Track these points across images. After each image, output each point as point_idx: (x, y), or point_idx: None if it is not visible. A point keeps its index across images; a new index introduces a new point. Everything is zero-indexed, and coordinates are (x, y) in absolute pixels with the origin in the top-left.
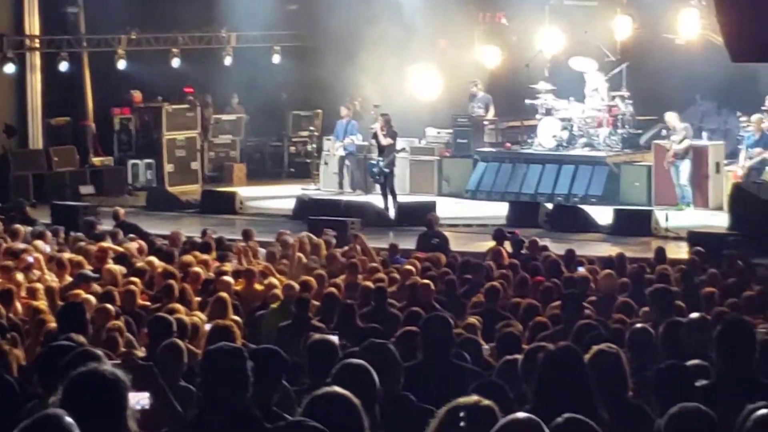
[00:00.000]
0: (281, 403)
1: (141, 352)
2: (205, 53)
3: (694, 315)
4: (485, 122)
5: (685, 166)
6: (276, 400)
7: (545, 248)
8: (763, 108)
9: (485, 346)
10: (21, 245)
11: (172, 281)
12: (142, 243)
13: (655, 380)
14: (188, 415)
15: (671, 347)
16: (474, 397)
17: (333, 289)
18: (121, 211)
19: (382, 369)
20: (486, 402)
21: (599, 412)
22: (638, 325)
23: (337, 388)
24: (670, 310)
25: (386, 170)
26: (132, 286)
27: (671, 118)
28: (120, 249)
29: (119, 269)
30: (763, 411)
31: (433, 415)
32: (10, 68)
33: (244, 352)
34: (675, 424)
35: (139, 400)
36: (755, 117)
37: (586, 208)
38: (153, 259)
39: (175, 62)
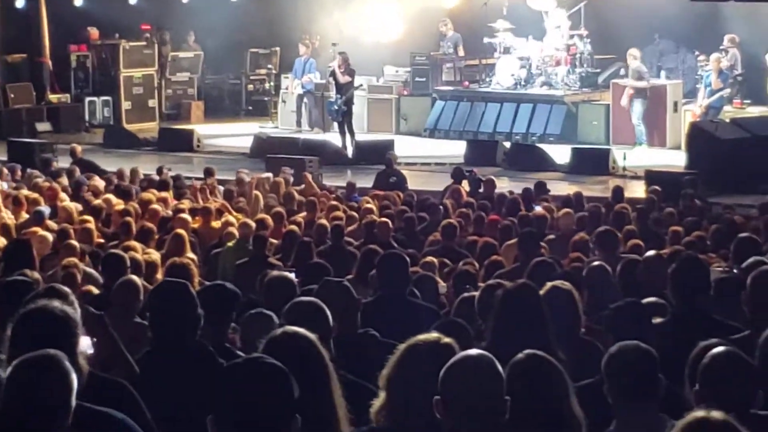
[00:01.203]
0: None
1: (96, 290)
2: None
3: (650, 253)
4: (444, 60)
5: (637, 105)
6: (228, 336)
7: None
8: (721, 47)
9: (442, 284)
10: None
11: (129, 219)
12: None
13: (611, 318)
14: (140, 353)
15: (628, 286)
16: (434, 335)
17: (294, 227)
18: (79, 148)
19: (339, 306)
20: (446, 339)
21: (556, 350)
22: (596, 263)
23: (293, 327)
24: (615, 252)
25: (344, 108)
26: (89, 224)
27: (630, 55)
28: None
29: (75, 206)
30: (718, 348)
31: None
32: None
33: (190, 287)
34: (614, 363)
35: (90, 342)
36: (714, 56)
37: (544, 146)
38: (110, 196)
39: None
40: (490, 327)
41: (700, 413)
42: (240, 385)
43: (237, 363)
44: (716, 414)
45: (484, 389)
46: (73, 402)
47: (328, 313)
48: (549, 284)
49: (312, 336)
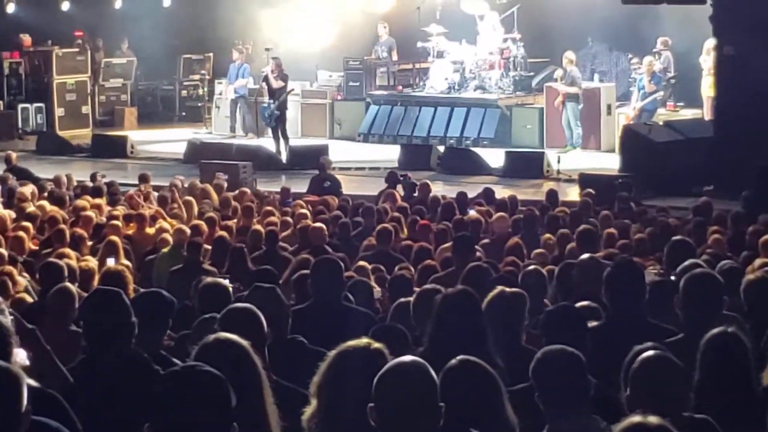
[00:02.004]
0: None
1: (30, 298)
2: None
3: (585, 257)
4: (378, 65)
5: (570, 109)
6: (164, 344)
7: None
8: (654, 50)
9: (377, 289)
10: None
11: (62, 226)
12: (34, 188)
13: (545, 322)
14: (75, 361)
15: (565, 289)
16: (364, 340)
17: (223, 233)
18: (14, 155)
19: (269, 313)
20: (376, 345)
21: (493, 357)
22: (531, 267)
23: (226, 334)
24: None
25: (277, 113)
26: (21, 232)
27: (566, 58)
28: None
29: (8, 214)
30: (649, 352)
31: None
32: None
33: (123, 295)
34: (540, 369)
35: (26, 355)
36: (646, 59)
37: (478, 150)
38: (44, 203)
39: (65, 6)
40: (428, 332)
41: (636, 418)
42: (178, 393)
43: (175, 371)
44: (652, 419)
45: (417, 396)
46: (24, 411)
47: (263, 320)
48: (497, 288)
49: (244, 343)
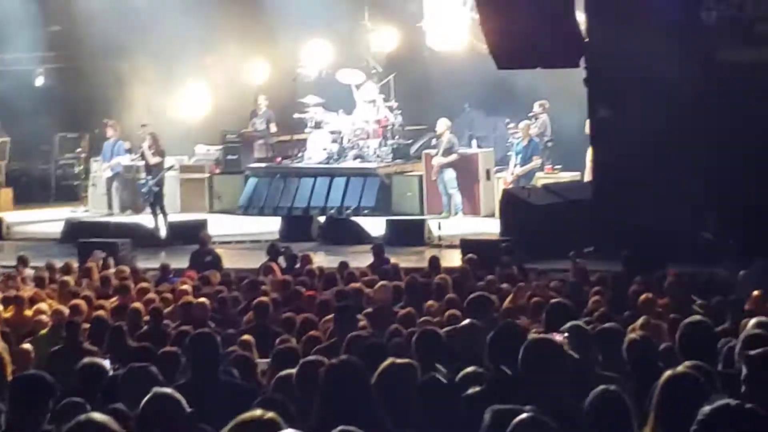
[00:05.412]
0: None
1: None
2: None
3: (466, 322)
4: (255, 137)
5: (449, 174)
6: (44, 426)
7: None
8: (530, 114)
9: (261, 361)
10: None
11: None
12: None
13: (419, 392)
14: None
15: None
16: (257, 412)
17: (101, 312)
18: None
19: (146, 391)
20: (269, 414)
21: (383, 421)
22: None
23: (94, 415)
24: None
25: (155, 189)
26: None
27: (441, 124)
28: None
29: None
30: (523, 415)
31: None
32: None
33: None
34: None
35: None
36: (522, 124)
37: (359, 219)
38: None
39: None
40: (316, 404)
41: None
42: None
43: None
44: None
45: None
46: None
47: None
48: (388, 360)
49: (113, 424)
